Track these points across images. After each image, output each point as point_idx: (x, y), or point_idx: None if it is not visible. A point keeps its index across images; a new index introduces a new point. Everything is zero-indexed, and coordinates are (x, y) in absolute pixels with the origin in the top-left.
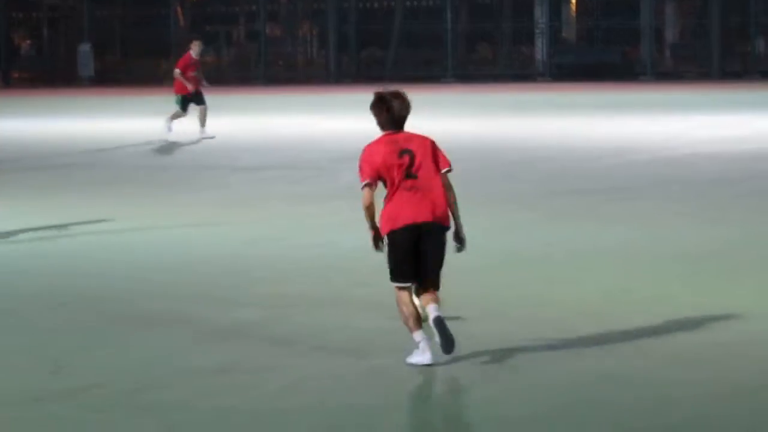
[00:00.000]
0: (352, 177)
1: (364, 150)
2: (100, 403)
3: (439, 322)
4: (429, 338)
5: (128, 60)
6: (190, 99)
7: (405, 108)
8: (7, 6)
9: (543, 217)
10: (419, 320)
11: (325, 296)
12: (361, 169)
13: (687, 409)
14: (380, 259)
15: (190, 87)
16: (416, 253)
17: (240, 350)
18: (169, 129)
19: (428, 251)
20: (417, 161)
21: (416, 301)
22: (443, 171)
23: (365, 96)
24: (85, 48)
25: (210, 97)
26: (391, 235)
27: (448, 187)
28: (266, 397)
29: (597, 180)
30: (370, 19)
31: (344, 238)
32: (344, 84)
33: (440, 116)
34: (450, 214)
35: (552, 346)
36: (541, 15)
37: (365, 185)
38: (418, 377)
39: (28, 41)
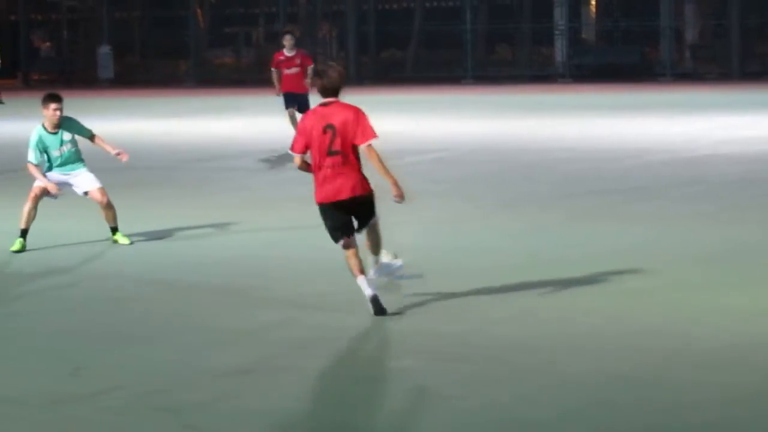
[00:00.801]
0: (372, 179)
1: (302, 117)
2: (119, 405)
3: (381, 271)
4: (371, 280)
5: (147, 61)
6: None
7: (338, 79)
8: (26, 8)
9: (563, 218)
10: (361, 269)
11: (345, 298)
12: (295, 138)
13: (707, 412)
14: (403, 263)
15: (276, 88)
16: (347, 214)
17: (260, 352)
18: None
19: (357, 215)
20: (338, 139)
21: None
22: (367, 143)
23: (385, 97)
24: (104, 50)
25: (230, 98)
26: (320, 206)
27: (372, 157)
28: (286, 399)
29: (617, 181)
30: (390, 20)
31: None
32: (364, 85)
33: (460, 117)
34: (371, 181)
35: (571, 348)
36: (560, 16)
37: (296, 156)
38: (441, 378)
39: (48, 43)
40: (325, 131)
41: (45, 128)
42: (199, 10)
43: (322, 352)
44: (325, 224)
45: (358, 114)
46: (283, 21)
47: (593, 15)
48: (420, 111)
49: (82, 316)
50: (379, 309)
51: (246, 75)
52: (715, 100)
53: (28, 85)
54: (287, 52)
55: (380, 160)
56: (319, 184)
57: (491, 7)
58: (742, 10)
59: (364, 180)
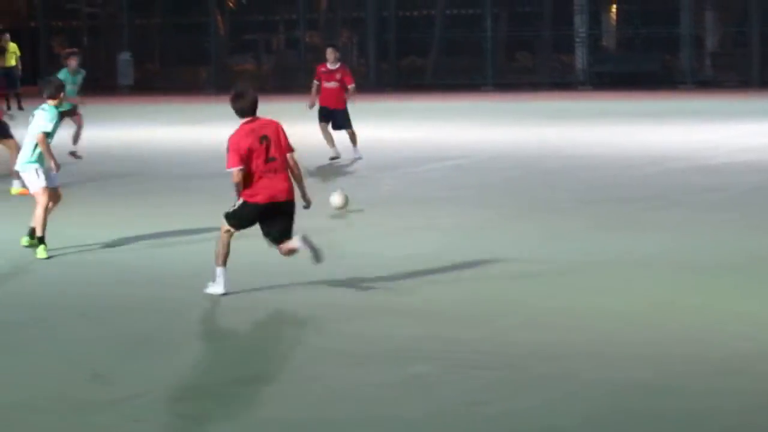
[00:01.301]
0: (393, 186)
1: (231, 140)
2: (140, 413)
3: (305, 239)
4: (226, 275)
5: (167, 68)
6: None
7: (254, 99)
8: (46, 14)
9: (582, 226)
10: (225, 259)
11: (365, 305)
12: (229, 156)
13: (729, 420)
14: (420, 269)
15: (311, 100)
16: (265, 218)
17: (283, 360)
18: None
19: (282, 220)
20: (273, 147)
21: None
22: (290, 153)
23: (405, 104)
24: (124, 57)
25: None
26: (247, 203)
27: (295, 166)
28: (308, 407)
29: (636, 188)
30: (410, 28)
31: (385, 246)
32: (384, 92)
33: (480, 124)
34: (296, 186)
35: (594, 356)
36: (580, 23)
37: (236, 170)
38: (459, 385)
39: (68, 49)
40: (261, 142)
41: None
42: (219, 17)
43: (338, 359)
44: (236, 214)
45: (279, 126)
46: (303, 28)
47: (614, 22)
48: (440, 118)
49: (102, 323)
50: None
51: (266, 82)
52: (735, 108)
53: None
54: (330, 65)
55: (299, 170)
56: (258, 187)
57: (511, 14)
58: (762, 18)
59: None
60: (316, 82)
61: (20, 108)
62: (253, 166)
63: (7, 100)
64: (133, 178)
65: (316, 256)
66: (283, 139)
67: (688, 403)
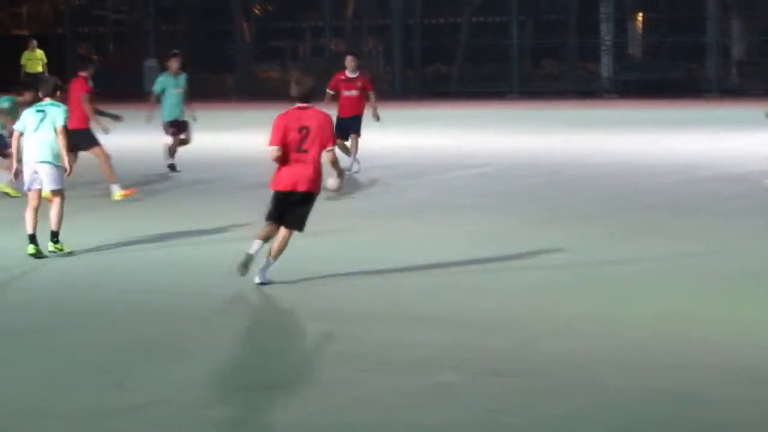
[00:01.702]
0: (418, 194)
1: (276, 120)
2: (164, 418)
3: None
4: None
5: (193, 75)
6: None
7: (310, 87)
8: (73, 21)
9: (607, 234)
10: (266, 238)
11: (391, 312)
12: (271, 135)
13: (752, 428)
14: (446, 277)
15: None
16: (287, 207)
17: (306, 365)
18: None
19: (297, 209)
20: (309, 139)
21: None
22: (328, 148)
23: (431, 112)
24: (150, 63)
25: (277, 112)
26: (274, 192)
27: (332, 159)
28: (332, 413)
29: (662, 196)
30: (436, 35)
31: (411, 253)
32: (409, 100)
33: (505, 132)
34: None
35: (620, 364)
36: (606, 31)
37: (273, 149)
38: (484, 393)
39: (94, 56)
40: (300, 131)
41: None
42: (245, 24)
43: (362, 365)
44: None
45: (329, 122)
46: (329, 35)
47: (639, 30)
48: (465, 126)
49: (125, 329)
50: (242, 268)
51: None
52: (761, 117)
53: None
54: (349, 74)
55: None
56: (282, 173)
57: (537, 22)
58: None
59: (317, 179)
60: (330, 91)
61: None
62: (286, 151)
63: None
64: (156, 184)
65: (240, 269)
66: (325, 134)
67: (712, 412)
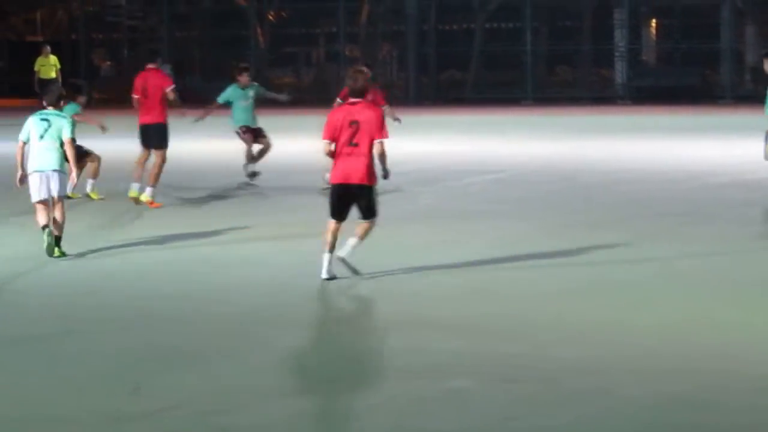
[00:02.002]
0: (432, 200)
1: (329, 115)
2: (178, 425)
3: (342, 260)
4: (330, 260)
5: (208, 81)
6: None
7: (363, 83)
8: (87, 27)
9: (620, 240)
10: (332, 247)
11: (403, 317)
12: (325, 127)
13: None
14: (459, 283)
15: None
16: (348, 201)
17: (318, 372)
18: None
19: (359, 201)
20: (360, 133)
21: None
22: (379, 140)
23: (445, 118)
24: (164, 69)
25: (289, 117)
26: (332, 186)
27: (381, 152)
28: (343, 420)
29: (676, 203)
30: (450, 41)
31: (423, 260)
32: (424, 106)
33: (519, 138)
34: (375, 169)
35: (631, 371)
36: (620, 38)
37: (326, 143)
38: (496, 399)
39: (108, 62)
40: (351, 125)
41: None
42: (259, 30)
43: (382, 372)
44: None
45: (380, 116)
46: (343, 41)
47: (653, 37)
48: (480, 132)
49: (139, 335)
50: (328, 276)
51: (306, 94)
52: None
53: (88, 104)
54: None
55: (385, 153)
56: (337, 167)
57: (551, 28)
58: None
59: (371, 172)
60: (340, 100)
61: None
62: (339, 146)
63: None
64: (175, 191)
65: (353, 271)
66: (374, 127)
67: (726, 419)
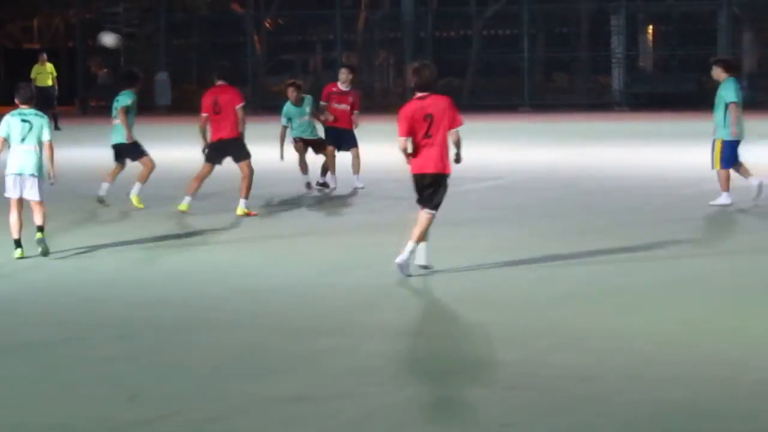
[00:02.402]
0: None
1: (401, 111)
2: None
3: (424, 267)
4: (413, 252)
5: (205, 89)
6: (331, 132)
7: (432, 76)
8: (83, 34)
9: (620, 247)
10: (420, 238)
11: (400, 326)
12: (399, 126)
13: None
14: (459, 290)
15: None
16: (428, 188)
17: (315, 379)
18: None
19: (435, 190)
20: (434, 125)
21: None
22: (455, 129)
23: None
24: (161, 76)
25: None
26: (412, 176)
27: (456, 140)
28: (341, 427)
29: (673, 209)
30: (447, 48)
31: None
32: None
33: (517, 145)
34: (450, 159)
35: (630, 377)
36: (617, 44)
37: (402, 139)
38: (495, 406)
39: (105, 70)
40: (425, 119)
41: None
42: (256, 37)
43: (379, 379)
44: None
45: (450, 104)
46: (340, 48)
47: (650, 43)
48: (477, 139)
49: (137, 343)
50: (405, 273)
51: None
52: None
53: (85, 111)
54: (342, 86)
55: (460, 140)
56: (416, 159)
57: (549, 35)
58: None
59: (447, 161)
60: (324, 102)
61: (57, 128)
62: (416, 139)
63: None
64: (168, 196)
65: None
66: (448, 117)
67: (723, 426)
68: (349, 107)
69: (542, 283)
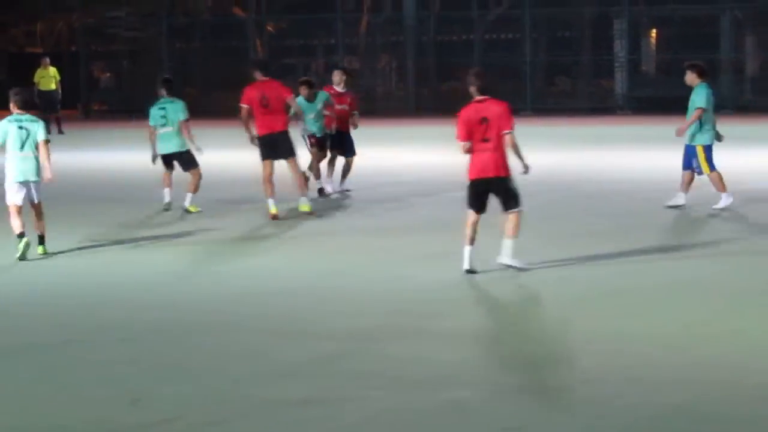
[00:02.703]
0: (431, 210)
1: (461, 114)
2: None
3: (508, 266)
4: (470, 253)
5: (207, 92)
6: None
7: (487, 81)
8: (87, 39)
9: (621, 251)
10: (471, 240)
11: (403, 329)
12: (458, 128)
13: None
14: (460, 293)
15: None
16: (486, 194)
17: (317, 383)
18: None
19: (498, 194)
20: (491, 129)
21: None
22: (507, 132)
23: (444, 129)
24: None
25: (291, 129)
26: (469, 182)
27: (512, 143)
28: (344, 430)
29: (676, 213)
30: (449, 52)
31: (423, 271)
32: (423, 117)
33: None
34: (510, 162)
35: (631, 380)
36: (620, 48)
37: (462, 143)
38: (495, 411)
39: (108, 74)
40: (481, 123)
41: None
42: (258, 41)
43: (381, 383)
44: (467, 196)
45: (507, 109)
46: (342, 52)
47: (653, 47)
48: None
49: (139, 346)
50: (469, 269)
51: None
52: None
53: (87, 115)
54: (338, 88)
55: (516, 143)
56: (473, 163)
57: (551, 39)
58: None
59: (505, 163)
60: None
61: (60, 132)
62: (473, 143)
63: (47, 124)
64: (176, 204)
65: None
66: (504, 121)
67: (724, 429)
68: (347, 107)
69: (543, 287)
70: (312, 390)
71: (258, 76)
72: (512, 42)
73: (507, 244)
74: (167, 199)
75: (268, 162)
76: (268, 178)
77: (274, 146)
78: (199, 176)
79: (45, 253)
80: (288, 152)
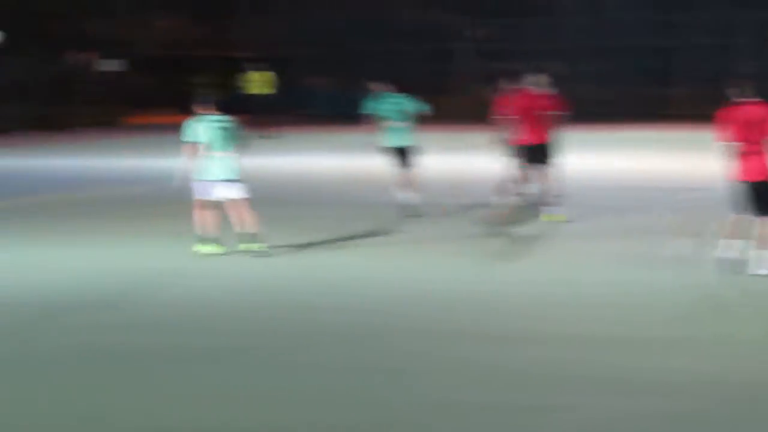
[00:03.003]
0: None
1: (721, 115)
2: None
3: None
4: (729, 249)
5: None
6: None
7: (751, 86)
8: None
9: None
10: (734, 237)
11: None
12: (720, 130)
13: None
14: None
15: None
16: (748, 196)
17: (545, 390)
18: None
19: (755, 197)
20: (753, 132)
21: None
22: (765, 137)
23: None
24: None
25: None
26: (735, 183)
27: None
28: None
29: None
30: None
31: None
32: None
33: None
34: None
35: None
36: None
37: (723, 144)
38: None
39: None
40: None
41: None
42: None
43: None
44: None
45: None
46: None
47: None
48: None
49: (355, 349)
50: (722, 269)
51: None
52: None
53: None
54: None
55: None
56: (738, 166)
57: None
58: None
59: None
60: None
61: (274, 136)
62: (738, 145)
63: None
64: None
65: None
66: (764, 126)
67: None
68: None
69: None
70: (542, 398)
71: (522, 86)
72: None
73: (766, 255)
74: (409, 202)
75: (525, 168)
76: (521, 181)
77: (532, 156)
78: (415, 176)
79: (257, 250)
80: (544, 162)
